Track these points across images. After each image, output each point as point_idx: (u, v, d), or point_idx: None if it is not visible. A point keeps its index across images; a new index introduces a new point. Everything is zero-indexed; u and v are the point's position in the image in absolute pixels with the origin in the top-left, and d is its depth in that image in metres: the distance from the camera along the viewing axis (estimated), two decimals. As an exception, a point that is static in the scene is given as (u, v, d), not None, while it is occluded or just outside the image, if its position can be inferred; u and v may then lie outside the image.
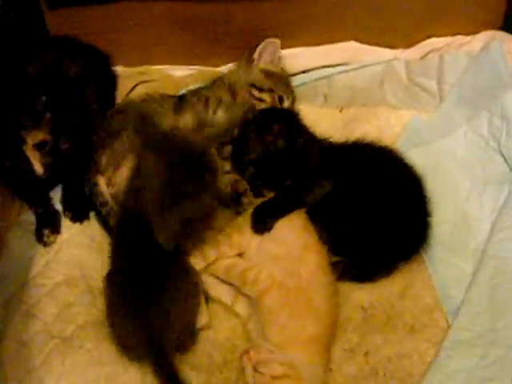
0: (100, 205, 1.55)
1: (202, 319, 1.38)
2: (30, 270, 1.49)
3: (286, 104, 1.69)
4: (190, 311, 1.34)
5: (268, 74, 1.70)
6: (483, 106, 1.66)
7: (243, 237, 1.42)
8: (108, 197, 1.54)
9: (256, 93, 1.67)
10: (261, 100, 1.67)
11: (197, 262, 1.40)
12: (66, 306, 1.44)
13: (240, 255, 1.44)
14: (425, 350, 1.37)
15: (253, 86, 1.68)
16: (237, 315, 1.43)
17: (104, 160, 1.55)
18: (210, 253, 1.41)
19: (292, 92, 1.73)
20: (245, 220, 1.45)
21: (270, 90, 1.67)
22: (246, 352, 1.27)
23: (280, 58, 1.76)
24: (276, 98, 1.67)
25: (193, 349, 1.39)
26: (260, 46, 1.70)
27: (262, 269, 1.36)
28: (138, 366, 1.35)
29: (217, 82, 1.72)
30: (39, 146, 1.42)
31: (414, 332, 1.40)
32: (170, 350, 1.29)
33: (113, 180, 1.54)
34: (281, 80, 1.72)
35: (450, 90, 1.71)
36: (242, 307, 1.41)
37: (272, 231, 1.42)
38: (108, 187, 1.55)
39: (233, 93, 1.67)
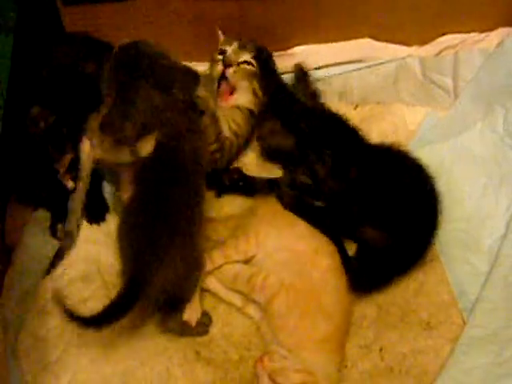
0: None
1: (190, 313, 1.36)
2: (46, 266, 1.49)
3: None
4: (185, 279, 1.30)
5: None
6: (498, 102, 1.65)
7: (249, 244, 1.42)
8: None
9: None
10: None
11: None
12: (82, 301, 1.44)
13: (246, 262, 1.43)
14: (440, 346, 1.38)
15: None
16: (250, 317, 1.43)
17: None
18: (217, 256, 1.41)
19: None
20: (252, 227, 1.44)
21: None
22: (260, 360, 1.26)
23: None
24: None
25: (209, 345, 1.40)
26: None
27: (269, 273, 1.35)
28: (153, 362, 1.36)
29: None
30: (68, 168, 1.47)
31: (430, 329, 1.40)
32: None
33: None
34: None
35: (465, 86, 1.71)
36: (253, 310, 1.42)
37: (279, 242, 1.41)
38: None
39: None
